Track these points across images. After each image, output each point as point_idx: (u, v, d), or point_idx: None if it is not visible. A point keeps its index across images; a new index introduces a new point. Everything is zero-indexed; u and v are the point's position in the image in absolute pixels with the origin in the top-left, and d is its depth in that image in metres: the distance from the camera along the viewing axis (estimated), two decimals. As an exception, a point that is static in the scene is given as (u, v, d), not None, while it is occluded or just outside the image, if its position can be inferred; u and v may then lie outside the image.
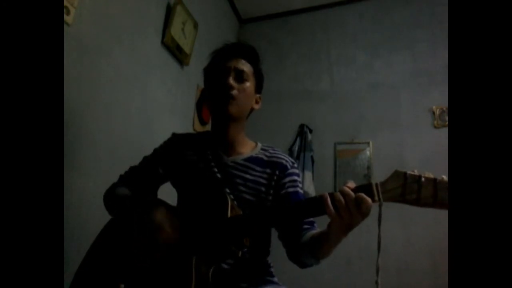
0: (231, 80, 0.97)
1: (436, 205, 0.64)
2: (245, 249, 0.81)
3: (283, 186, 0.98)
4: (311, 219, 0.93)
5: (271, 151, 1.04)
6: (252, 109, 1.05)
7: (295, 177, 1.01)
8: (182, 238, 0.82)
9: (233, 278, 0.91)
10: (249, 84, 1.00)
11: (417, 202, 0.65)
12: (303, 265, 0.92)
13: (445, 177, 0.64)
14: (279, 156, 1.02)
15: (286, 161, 1.01)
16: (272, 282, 0.98)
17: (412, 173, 0.66)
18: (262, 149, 1.05)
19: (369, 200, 0.66)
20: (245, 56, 1.02)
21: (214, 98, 0.99)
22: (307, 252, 0.86)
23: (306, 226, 0.92)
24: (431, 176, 0.65)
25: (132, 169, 1.09)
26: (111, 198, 1.00)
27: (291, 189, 0.98)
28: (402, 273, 2.11)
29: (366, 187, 0.68)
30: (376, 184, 0.68)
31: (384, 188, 0.67)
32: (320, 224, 0.88)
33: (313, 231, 0.89)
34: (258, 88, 1.07)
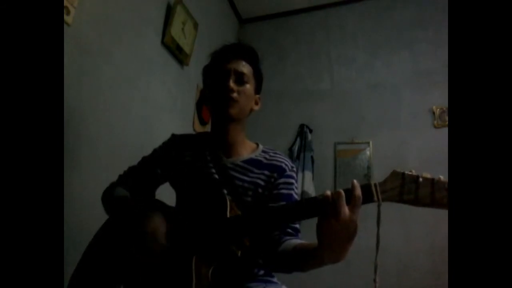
0: (232, 83, 0.96)
1: (433, 205, 0.65)
2: (245, 249, 0.80)
3: (277, 187, 0.97)
4: (297, 225, 0.93)
5: (271, 153, 1.03)
6: (251, 110, 1.05)
7: (291, 180, 0.99)
8: (181, 238, 0.81)
9: (233, 278, 0.91)
10: (249, 86, 1.00)
11: (415, 202, 0.66)
12: (276, 270, 0.93)
13: (443, 177, 0.65)
14: (279, 159, 1.01)
15: (286, 164, 1.01)
16: (272, 282, 0.98)
17: (410, 173, 0.67)
18: (263, 151, 1.04)
19: (360, 195, 0.66)
20: (245, 57, 1.01)
21: (215, 100, 0.99)
22: (287, 263, 0.84)
23: (289, 231, 0.90)
24: (429, 176, 0.66)
25: (131, 169, 1.09)
26: (109, 198, 1.00)
27: (284, 191, 0.96)
28: (402, 273, 2.11)
29: (365, 187, 0.68)
30: (375, 184, 0.68)
31: (383, 188, 0.67)
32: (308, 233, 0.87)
33: (296, 241, 0.86)
34: (258, 89, 1.06)
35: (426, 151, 2.30)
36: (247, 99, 1.00)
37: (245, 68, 1.00)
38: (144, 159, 1.09)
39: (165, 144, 1.09)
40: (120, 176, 1.09)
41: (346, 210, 0.65)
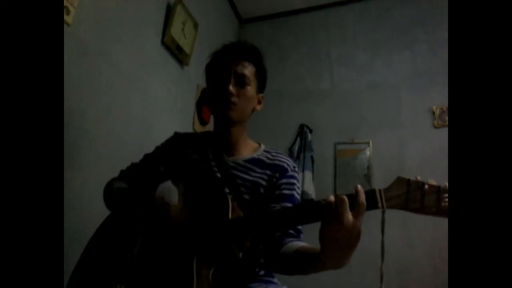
0: (231, 87, 0.95)
1: (438, 214, 0.62)
2: (246, 250, 0.80)
3: (279, 187, 0.96)
4: (299, 227, 0.92)
5: (273, 153, 1.03)
6: (253, 110, 1.04)
7: (293, 180, 0.99)
8: (182, 238, 0.81)
9: (233, 279, 0.91)
10: (250, 88, 0.98)
11: (420, 210, 0.63)
12: (277, 272, 0.93)
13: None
14: (281, 159, 1.01)
15: (288, 164, 1.00)
16: (272, 283, 0.98)
17: (415, 179, 0.64)
18: (265, 151, 1.04)
19: (364, 202, 0.64)
20: (246, 57, 1.00)
21: (215, 103, 0.99)
22: (288, 265, 0.83)
23: (291, 232, 0.89)
24: (435, 183, 0.63)
25: (133, 165, 1.09)
26: (110, 192, 1.00)
27: (286, 191, 0.96)
28: (402, 275, 2.10)
29: (369, 193, 0.66)
30: (380, 191, 0.66)
31: (388, 195, 0.65)
32: (310, 236, 0.87)
33: (298, 244, 0.85)
34: (261, 88, 1.05)
35: (426, 151, 2.30)
36: (247, 102, 0.99)
37: (246, 69, 0.98)
38: (147, 156, 1.09)
39: (167, 142, 1.09)
40: (121, 171, 1.08)
41: (349, 216, 0.63)
